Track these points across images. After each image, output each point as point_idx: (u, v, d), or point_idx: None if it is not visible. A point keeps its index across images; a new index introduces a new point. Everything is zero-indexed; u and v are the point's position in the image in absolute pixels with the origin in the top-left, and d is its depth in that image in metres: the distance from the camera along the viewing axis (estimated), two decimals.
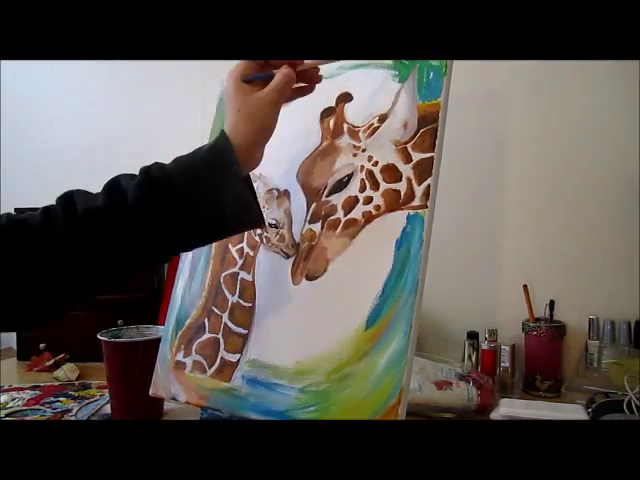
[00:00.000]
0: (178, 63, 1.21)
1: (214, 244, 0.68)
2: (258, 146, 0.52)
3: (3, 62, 1.37)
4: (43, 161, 1.38)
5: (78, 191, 0.50)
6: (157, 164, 0.50)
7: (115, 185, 0.49)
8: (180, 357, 0.67)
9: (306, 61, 0.56)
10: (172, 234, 0.49)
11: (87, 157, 1.35)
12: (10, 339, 1.23)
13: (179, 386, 0.65)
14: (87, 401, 0.85)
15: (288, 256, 0.61)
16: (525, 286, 0.96)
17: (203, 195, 0.48)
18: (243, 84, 0.52)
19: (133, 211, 0.47)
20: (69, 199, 0.49)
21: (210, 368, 0.63)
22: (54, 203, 0.50)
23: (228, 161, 0.49)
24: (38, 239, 0.47)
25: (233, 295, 0.65)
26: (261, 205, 0.64)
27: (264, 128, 0.52)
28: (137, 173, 0.50)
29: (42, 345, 1.13)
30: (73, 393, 0.90)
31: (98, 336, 0.77)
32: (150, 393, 0.67)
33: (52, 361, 1.06)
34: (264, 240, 0.64)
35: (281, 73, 0.53)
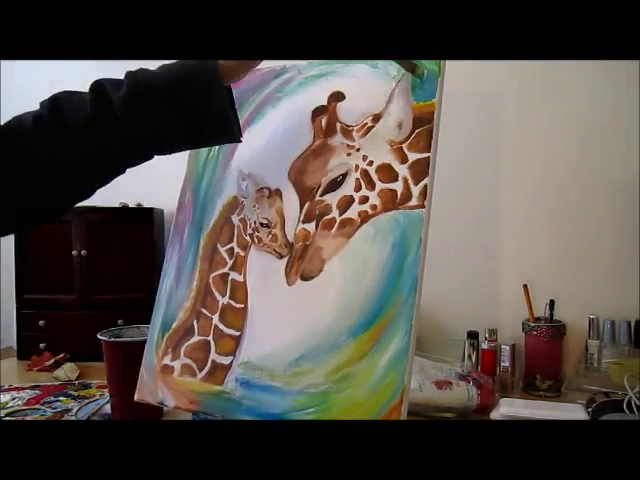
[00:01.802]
0: None
1: (201, 245, 0.67)
2: (244, 66, 0.55)
3: (3, 62, 1.37)
4: None
5: (65, 95, 0.53)
6: (142, 70, 0.53)
7: (100, 92, 0.52)
8: (167, 361, 0.65)
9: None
10: (155, 135, 0.53)
11: None
12: (10, 339, 1.23)
13: (167, 391, 0.63)
14: (87, 401, 0.85)
15: (281, 256, 0.61)
16: (525, 286, 0.96)
17: (184, 101, 0.52)
18: None
19: (119, 115, 0.51)
20: (56, 106, 0.52)
21: (200, 371, 0.62)
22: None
23: (212, 76, 0.52)
24: (34, 142, 0.50)
25: (223, 296, 0.64)
26: (251, 205, 0.65)
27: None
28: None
29: (42, 345, 1.13)
30: (73, 393, 0.90)
31: (98, 336, 0.77)
32: (135, 398, 0.65)
33: (52, 361, 1.06)
34: (255, 240, 0.63)
35: None
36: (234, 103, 0.58)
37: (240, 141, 0.59)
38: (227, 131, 0.56)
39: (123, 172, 0.55)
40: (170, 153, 0.57)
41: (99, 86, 0.52)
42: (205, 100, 0.52)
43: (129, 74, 0.52)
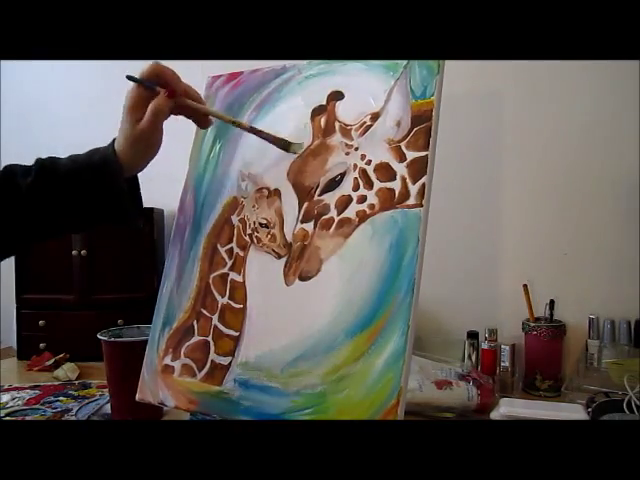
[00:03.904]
0: (178, 63, 1.20)
1: (202, 246, 0.67)
2: (142, 162, 0.60)
3: (4, 62, 1.37)
4: None
5: None
6: (50, 158, 0.58)
7: (10, 177, 0.56)
8: (168, 361, 0.65)
9: (188, 102, 0.62)
10: (53, 220, 0.58)
11: None
12: (10, 339, 1.23)
13: (167, 391, 0.63)
14: (87, 401, 0.85)
15: (280, 256, 0.60)
16: (525, 286, 0.96)
17: (82, 189, 0.57)
18: (131, 114, 0.58)
19: (25, 200, 0.56)
20: None
21: (200, 372, 0.62)
22: None
23: (111, 168, 0.57)
24: None
25: (223, 297, 0.64)
26: (251, 205, 0.65)
27: (146, 152, 0.60)
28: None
29: (42, 345, 1.13)
30: (73, 393, 0.90)
31: (98, 336, 0.77)
32: (137, 398, 0.65)
33: (52, 361, 1.06)
34: (254, 240, 0.63)
35: (152, 104, 0.58)
36: (138, 191, 0.62)
37: (138, 228, 0.63)
38: (121, 219, 0.60)
39: (18, 253, 0.61)
40: (63, 235, 0.60)
41: (9, 172, 0.57)
42: (101, 190, 0.57)
43: (38, 161, 0.58)
